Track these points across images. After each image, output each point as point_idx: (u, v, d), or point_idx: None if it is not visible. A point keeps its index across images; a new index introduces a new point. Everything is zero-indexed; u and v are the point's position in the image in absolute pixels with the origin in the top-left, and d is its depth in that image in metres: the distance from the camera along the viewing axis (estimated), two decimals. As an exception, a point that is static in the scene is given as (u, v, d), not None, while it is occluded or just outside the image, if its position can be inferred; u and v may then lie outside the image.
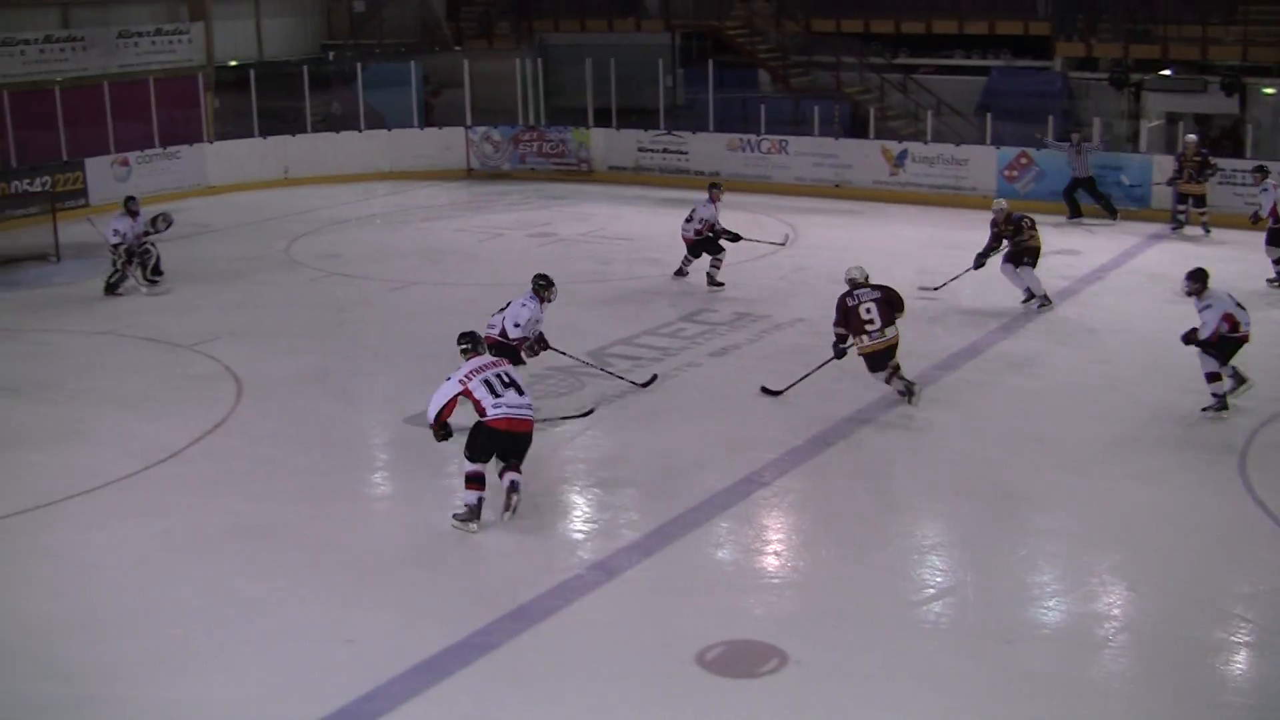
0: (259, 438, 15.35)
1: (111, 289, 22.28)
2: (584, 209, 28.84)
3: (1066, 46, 32.02)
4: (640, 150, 32.26)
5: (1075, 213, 26.13)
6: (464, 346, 13.41)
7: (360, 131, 33.82)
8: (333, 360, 18.32)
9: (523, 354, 15.57)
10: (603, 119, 32.90)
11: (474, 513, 12.66)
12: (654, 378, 17.16)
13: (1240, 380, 15.53)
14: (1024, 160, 27.60)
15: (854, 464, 14.22)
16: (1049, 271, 20.78)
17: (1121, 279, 22.15)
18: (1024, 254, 19.88)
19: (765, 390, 16.42)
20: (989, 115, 28.95)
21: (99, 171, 29.73)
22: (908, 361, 16.37)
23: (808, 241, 25.03)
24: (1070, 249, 23.85)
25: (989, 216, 20.48)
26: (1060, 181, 26.55)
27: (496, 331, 15.57)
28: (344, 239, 26.58)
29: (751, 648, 10.41)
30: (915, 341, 18.03)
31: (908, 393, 15.79)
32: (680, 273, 22.25)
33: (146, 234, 22.40)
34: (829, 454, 14.47)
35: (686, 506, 13.00)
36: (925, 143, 28.94)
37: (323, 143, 33.65)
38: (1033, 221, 20.09)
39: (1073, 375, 17.16)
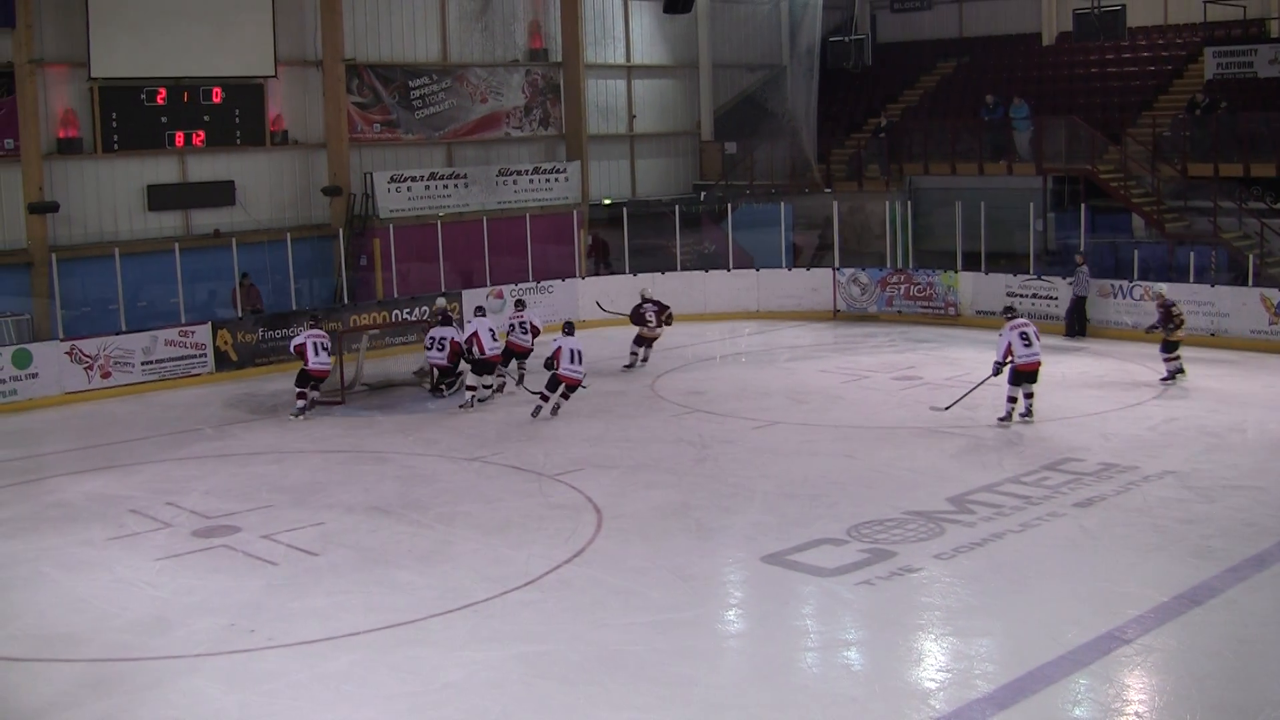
0: (616, 569, 15.53)
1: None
2: (950, 353, 28.58)
3: None
4: (1009, 294, 31.77)
5: None
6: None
7: (729, 271, 34.34)
8: (692, 495, 18.47)
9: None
10: (971, 262, 32.65)
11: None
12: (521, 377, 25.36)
13: None
14: None
15: (1224, 624, 13.56)
16: None
17: None
18: None
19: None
20: (1379, 263, 27.75)
21: (475, 303, 30.86)
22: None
23: (1180, 391, 24.26)
24: None
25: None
26: None
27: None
28: (709, 376, 26.91)
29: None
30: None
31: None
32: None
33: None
34: (1197, 613, 13.86)
35: (1044, 660, 12.61)
36: (1308, 291, 27.87)
37: (691, 281, 34.26)
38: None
39: None
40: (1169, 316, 24.93)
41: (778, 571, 15.33)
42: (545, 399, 23.58)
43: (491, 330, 24.45)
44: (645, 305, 27.93)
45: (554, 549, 16.22)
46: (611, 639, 13.44)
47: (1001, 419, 22.06)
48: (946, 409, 22.84)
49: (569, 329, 24.15)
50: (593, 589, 14.94)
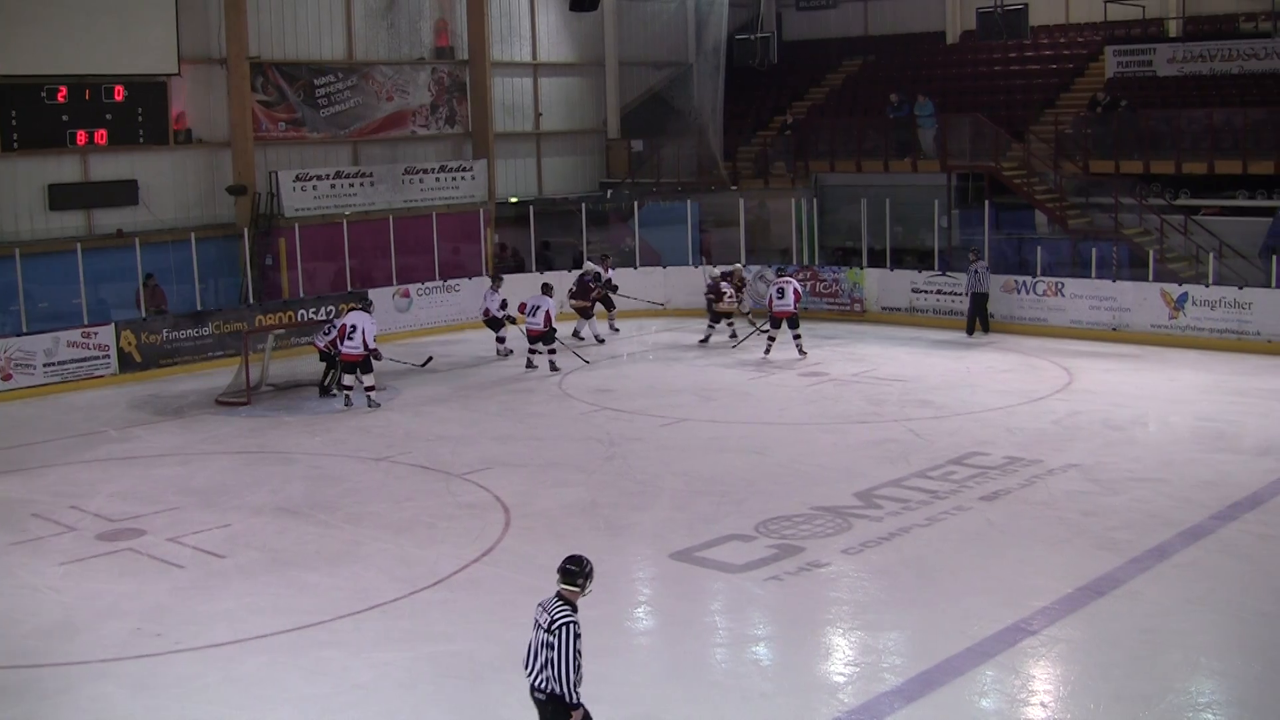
0: (526, 567, 15.51)
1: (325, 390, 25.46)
2: (856, 349, 28.76)
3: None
4: (914, 291, 32.13)
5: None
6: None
7: (636, 268, 34.35)
8: (601, 493, 18.50)
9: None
10: (877, 259, 32.88)
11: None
12: (429, 359, 27.35)
13: None
14: (1313, 305, 26.76)
15: (1127, 615, 13.76)
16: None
17: None
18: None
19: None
20: (1275, 257, 28.10)
21: (381, 302, 30.68)
22: (1185, 509, 16.12)
23: (1083, 386, 24.56)
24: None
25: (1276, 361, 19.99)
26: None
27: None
28: (617, 374, 26.93)
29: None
30: (1195, 489, 17.63)
31: None
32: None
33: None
34: (1101, 603, 14.05)
35: (951, 653, 12.75)
36: (1207, 285, 28.23)
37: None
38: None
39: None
40: (715, 291, 29.90)
41: (686, 568, 15.38)
42: (534, 352, 27.58)
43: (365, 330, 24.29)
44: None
45: (463, 548, 16.20)
46: (522, 638, 13.32)
47: (764, 354, 28.06)
48: (735, 346, 29.30)
49: (545, 288, 28.02)
50: (502, 588, 14.94)
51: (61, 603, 14.82)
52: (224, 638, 13.59)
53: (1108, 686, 12.06)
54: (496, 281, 29.66)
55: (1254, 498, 17.49)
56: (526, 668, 9.89)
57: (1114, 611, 13.85)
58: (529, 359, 27.54)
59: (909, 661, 12.73)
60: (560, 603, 9.81)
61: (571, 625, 9.64)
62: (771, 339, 28.16)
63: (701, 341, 30.06)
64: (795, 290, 28.06)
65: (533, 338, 27.38)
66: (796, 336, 27.97)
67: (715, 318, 30.08)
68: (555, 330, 27.36)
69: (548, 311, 27.04)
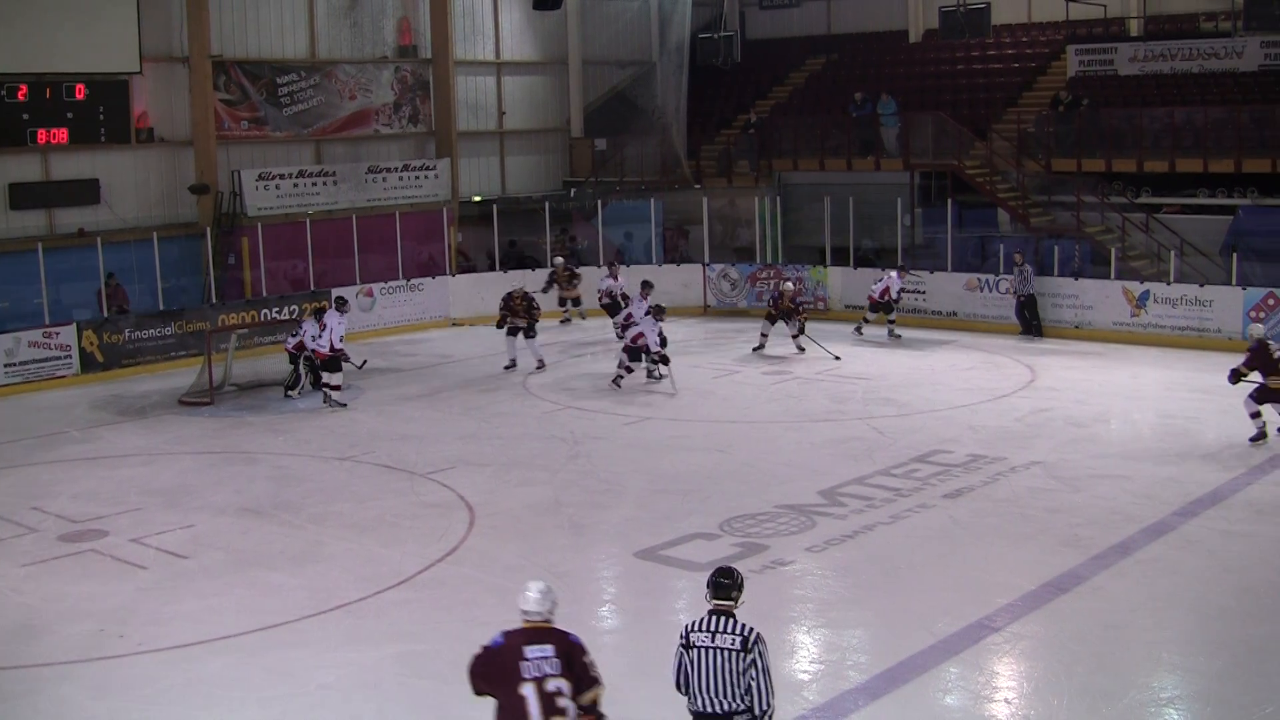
0: (490, 567, 15.50)
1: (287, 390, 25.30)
2: (819, 347, 28.79)
3: (1319, 184, 31.17)
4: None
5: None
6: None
7: (599, 266, 34.32)
8: (565, 492, 18.48)
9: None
10: (840, 257, 32.93)
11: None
12: (365, 362, 25.82)
13: None
14: (1272, 301, 26.82)
15: (1091, 611, 13.80)
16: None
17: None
18: None
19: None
20: (1235, 255, 28.26)
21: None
22: (1147, 505, 16.23)
23: (1047, 383, 24.65)
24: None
25: (1237, 359, 20.10)
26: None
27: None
28: (580, 373, 26.89)
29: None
30: (1157, 486, 17.70)
31: None
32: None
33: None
34: (1064, 600, 14.10)
35: (915, 650, 12.78)
36: (1168, 283, 28.36)
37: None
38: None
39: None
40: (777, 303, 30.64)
41: (651, 566, 15.38)
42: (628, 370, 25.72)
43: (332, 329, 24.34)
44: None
45: (427, 547, 16.17)
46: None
47: (856, 331, 30.06)
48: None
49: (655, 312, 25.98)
50: (467, 587, 14.92)
51: (23, 604, 14.73)
52: (187, 639, 13.53)
53: (1071, 682, 12.10)
54: (613, 268, 29.11)
55: (1215, 494, 17.57)
56: (687, 693, 9.38)
57: (1077, 608, 13.90)
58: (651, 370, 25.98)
59: (873, 659, 12.76)
60: (730, 620, 9.31)
61: (762, 636, 9.24)
62: (865, 320, 30.27)
63: (756, 348, 28.56)
64: (886, 285, 29.82)
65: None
66: (890, 322, 29.98)
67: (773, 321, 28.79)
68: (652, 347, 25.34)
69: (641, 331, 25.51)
